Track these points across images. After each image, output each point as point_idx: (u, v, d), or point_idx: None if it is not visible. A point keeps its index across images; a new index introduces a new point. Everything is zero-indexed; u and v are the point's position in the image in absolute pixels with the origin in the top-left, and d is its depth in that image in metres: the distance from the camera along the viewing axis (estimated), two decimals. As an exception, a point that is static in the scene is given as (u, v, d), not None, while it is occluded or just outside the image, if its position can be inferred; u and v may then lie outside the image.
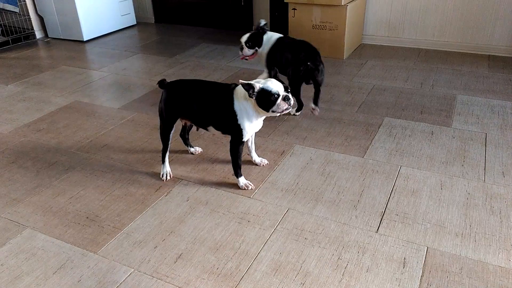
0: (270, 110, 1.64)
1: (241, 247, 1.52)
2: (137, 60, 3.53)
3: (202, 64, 3.38)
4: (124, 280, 1.39)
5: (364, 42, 3.80)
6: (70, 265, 1.45)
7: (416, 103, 2.59)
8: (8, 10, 3.90)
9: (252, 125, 1.73)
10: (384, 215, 1.66)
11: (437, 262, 1.43)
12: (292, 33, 3.51)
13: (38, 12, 4.17)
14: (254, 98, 1.63)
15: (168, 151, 1.92)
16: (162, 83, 1.84)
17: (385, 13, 3.64)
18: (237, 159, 1.79)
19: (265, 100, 1.62)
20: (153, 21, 4.73)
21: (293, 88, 2.32)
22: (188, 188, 1.86)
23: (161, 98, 1.85)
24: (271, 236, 1.56)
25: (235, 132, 1.73)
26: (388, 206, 1.71)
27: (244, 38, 2.54)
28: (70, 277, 1.40)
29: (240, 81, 1.62)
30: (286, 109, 1.64)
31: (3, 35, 4.06)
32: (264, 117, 1.76)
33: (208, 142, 2.22)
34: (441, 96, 2.68)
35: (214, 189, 1.85)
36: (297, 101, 2.45)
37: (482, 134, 2.21)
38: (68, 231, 1.61)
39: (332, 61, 3.36)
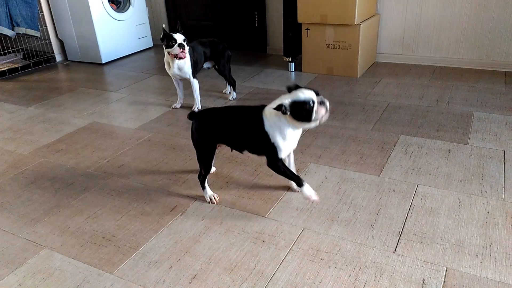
0: (312, 120, 1.58)
1: (256, 268, 1.50)
2: (154, 82, 3.60)
3: (217, 85, 3.43)
4: (139, 301, 1.39)
5: (378, 60, 3.81)
6: (86, 285, 1.46)
7: (432, 120, 2.57)
8: (30, 35, 4.04)
9: (287, 142, 1.69)
10: (402, 235, 1.63)
11: (457, 283, 1.39)
12: (306, 53, 3.54)
13: (59, 36, 4.32)
14: (288, 113, 1.58)
15: (207, 176, 1.89)
16: (192, 115, 1.83)
17: (398, 31, 3.66)
18: (287, 174, 1.72)
19: (301, 111, 1.56)
20: (169, 43, 4.83)
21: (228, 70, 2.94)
22: (203, 207, 1.86)
23: (193, 128, 1.83)
24: (287, 257, 1.55)
25: (270, 152, 1.70)
26: (405, 225, 1.68)
27: (182, 37, 2.65)
28: (86, 298, 1.41)
29: (269, 106, 1.61)
30: (326, 112, 1.57)
31: (25, 59, 4.20)
32: (300, 132, 1.72)
33: (223, 161, 2.23)
34: (458, 113, 2.65)
35: (229, 208, 1.85)
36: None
37: (501, 152, 2.17)
38: (84, 251, 1.63)
39: (346, 79, 3.37)
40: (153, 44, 4.73)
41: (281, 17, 3.85)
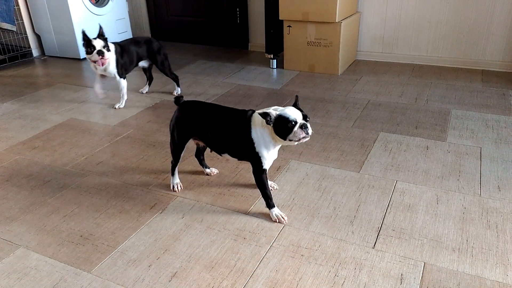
0: (287, 138, 1.58)
1: (236, 265, 1.50)
2: (134, 77, 3.54)
3: (199, 81, 3.40)
4: (117, 300, 1.37)
5: (359, 58, 3.84)
6: (63, 284, 1.43)
7: (411, 118, 2.61)
8: (5, 29, 3.93)
9: (270, 153, 1.68)
10: (381, 231, 1.65)
11: (434, 277, 1.42)
12: (288, 50, 3.55)
13: (36, 30, 4.21)
14: (271, 125, 1.59)
15: (177, 165, 1.92)
16: (178, 100, 1.83)
17: (379, 30, 3.69)
18: (265, 189, 1.72)
19: (282, 127, 1.57)
20: (149, 38, 4.77)
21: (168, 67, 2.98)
22: (183, 205, 1.85)
23: (173, 116, 1.83)
24: (267, 253, 1.55)
25: (255, 161, 1.69)
26: (384, 221, 1.70)
27: (101, 43, 2.65)
28: (63, 297, 1.38)
29: (257, 111, 1.60)
30: (304, 137, 1.57)
31: (0, 54, 4.08)
32: (279, 146, 1.71)
33: (205, 159, 2.21)
34: (436, 110, 2.70)
35: (209, 205, 1.84)
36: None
37: (477, 148, 2.22)
38: (61, 250, 1.59)
39: (327, 77, 3.39)
40: (134, 40, 4.66)
41: (263, 14, 3.84)
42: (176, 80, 3.12)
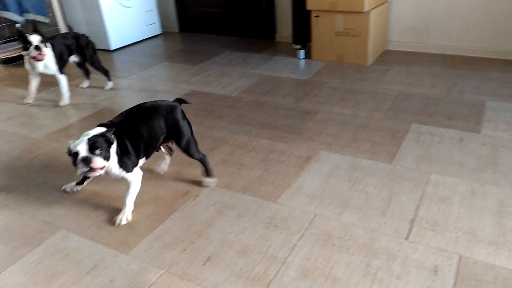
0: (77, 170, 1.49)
1: (268, 252, 1.52)
2: (163, 69, 3.60)
3: (226, 72, 3.43)
4: (154, 282, 1.41)
5: (389, 48, 3.78)
6: (102, 265, 1.49)
7: (444, 109, 2.56)
8: (39, 21, 4.04)
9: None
10: (414, 222, 1.64)
11: (470, 270, 1.40)
12: (316, 40, 3.52)
13: (67, 22, 4.31)
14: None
15: None
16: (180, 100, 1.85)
17: (409, 19, 3.62)
18: None
19: (72, 158, 1.50)
20: (177, 30, 4.82)
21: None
22: (215, 192, 1.88)
23: (181, 111, 1.84)
24: (299, 242, 1.56)
25: None
26: (417, 213, 1.69)
27: (38, 38, 2.60)
28: (103, 277, 1.44)
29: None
30: (88, 171, 1.48)
31: (35, 45, 4.21)
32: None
33: (233, 147, 2.24)
34: (470, 102, 2.63)
35: (240, 194, 1.86)
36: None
37: (513, 141, 2.16)
38: (100, 232, 1.65)
39: (356, 67, 3.36)
40: (162, 31, 4.72)
41: (290, 4, 3.82)
42: (107, 74, 3.15)
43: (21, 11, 3.93)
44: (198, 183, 1.94)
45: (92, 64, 3.05)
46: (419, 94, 2.80)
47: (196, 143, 1.85)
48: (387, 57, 3.58)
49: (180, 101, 1.84)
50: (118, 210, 1.77)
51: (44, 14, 4.04)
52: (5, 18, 3.88)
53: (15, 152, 2.32)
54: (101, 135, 1.51)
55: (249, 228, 1.64)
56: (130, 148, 1.65)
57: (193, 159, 1.88)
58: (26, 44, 2.58)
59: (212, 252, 1.53)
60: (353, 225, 1.63)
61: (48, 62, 2.74)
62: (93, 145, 1.48)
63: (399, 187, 1.85)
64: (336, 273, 1.41)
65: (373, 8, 3.27)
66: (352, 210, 1.72)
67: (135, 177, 1.71)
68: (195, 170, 2.05)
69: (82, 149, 1.47)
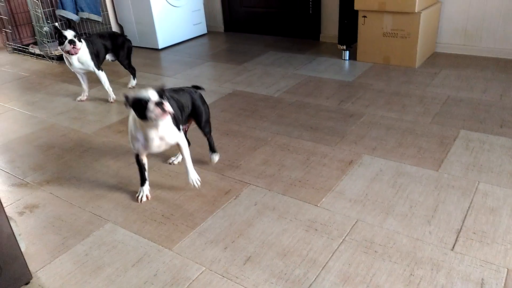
0: (147, 116, 1.57)
1: (308, 255, 1.52)
2: (208, 68, 3.66)
3: (269, 72, 3.44)
4: (196, 278, 1.45)
5: (438, 51, 3.65)
6: (147, 259, 1.54)
7: (496, 115, 2.44)
8: (93, 20, 4.23)
9: (137, 142, 1.73)
10: (461, 233, 1.58)
11: (520, 286, 1.34)
12: (362, 41, 3.46)
13: (119, 21, 4.49)
14: (130, 107, 1.61)
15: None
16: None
17: (461, 21, 3.48)
18: (139, 170, 1.87)
19: (139, 107, 1.58)
20: (222, 30, 4.89)
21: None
22: (256, 193, 1.90)
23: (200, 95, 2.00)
24: (340, 247, 1.55)
25: None
26: (464, 223, 1.63)
27: (72, 33, 2.72)
28: (147, 271, 1.49)
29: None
30: (161, 114, 1.57)
31: (88, 43, 4.41)
32: (155, 132, 1.69)
33: (275, 148, 2.25)
34: (525, 109, 2.50)
35: (281, 195, 1.87)
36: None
37: None
38: (145, 227, 1.71)
39: (403, 69, 3.27)
40: (207, 31, 4.80)
41: (337, 4, 3.77)
42: (133, 73, 3.27)
43: (77, 9, 4.13)
44: (240, 183, 1.97)
45: (122, 63, 3.17)
46: (469, 99, 2.68)
47: (210, 124, 2.09)
48: (436, 59, 3.46)
49: (196, 87, 2.05)
50: (162, 206, 1.83)
51: (97, 13, 4.22)
52: (61, 16, 4.09)
53: (67, 146, 2.44)
54: (160, 89, 1.63)
55: (290, 230, 1.65)
56: (178, 113, 1.82)
57: (205, 138, 2.11)
58: (62, 38, 2.72)
59: (253, 252, 1.55)
60: (396, 232, 1.60)
61: (84, 58, 2.86)
62: (160, 93, 1.60)
63: (446, 195, 1.79)
64: (378, 281, 1.39)
65: (424, 9, 3.17)
66: (395, 217, 1.68)
67: (184, 140, 1.85)
68: (237, 170, 2.08)
69: (153, 95, 1.57)
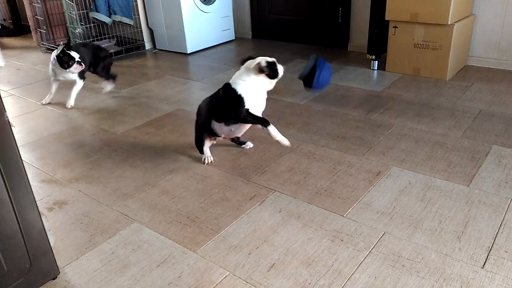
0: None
1: (334, 266, 1.50)
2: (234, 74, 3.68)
3: (296, 79, 3.42)
4: (220, 282, 1.45)
5: (470, 64, 3.57)
6: (171, 260, 1.55)
7: (531, 132, 2.37)
8: (124, 23, 4.33)
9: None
10: (491, 251, 1.53)
11: (556, 310, 1.28)
12: (392, 52, 3.42)
13: (149, 25, 4.58)
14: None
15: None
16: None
17: (495, 34, 3.40)
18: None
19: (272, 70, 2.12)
20: (250, 36, 4.92)
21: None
22: (281, 200, 1.89)
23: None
24: (366, 259, 1.52)
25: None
26: (496, 241, 1.57)
27: (76, 54, 2.89)
28: (172, 272, 1.50)
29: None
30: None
31: (118, 45, 4.51)
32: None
33: (300, 156, 2.24)
34: (562, 126, 2.41)
35: (306, 203, 1.85)
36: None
37: None
38: (171, 228, 1.73)
39: (434, 81, 3.21)
40: (235, 37, 4.84)
41: (366, 13, 3.75)
42: (108, 79, 3.28)
43: (110, 12, 4.24)
44: (265, 189, 1.96)
45: (98, 74, 3.22)
46: (502, 114, 2.61)
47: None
48: (468, 72, 3.39)
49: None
50: (187, 208, 1.84)
51: (130, 16, 4.32)
52: (95, 18, 4.20)
53: (96, 145, 2.49)
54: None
55: (315, 239, 1.63)
56: None
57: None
58: (72, 61, 2.86)
59: (277, 259, 1.54)
60: (425, 247, 1.56)
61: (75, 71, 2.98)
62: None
63: (477, 211, 1.74)
64: (404, 296, 1.36)
65: (457, 21, 3.11)
66: (424, 232, 1.64)
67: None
68: (262, 175, 2.07)
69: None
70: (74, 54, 2.87)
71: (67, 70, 2.88)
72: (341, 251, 1.57)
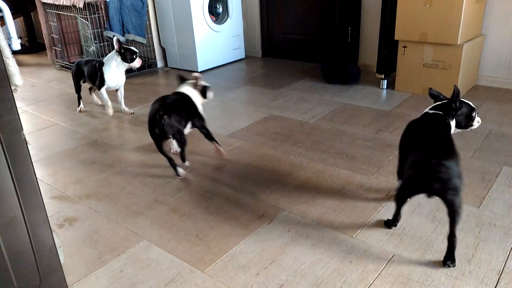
0: None
1: (343, 287, 1.49)
2: (244, 92, 3.73)
3: (305, 98, 3.46)
4: (227, 302, 1.44)
5: (479, 84, 3.57)
6: (180, 279, 1.56)
7: (542, 153, 2.35)
8: (138, 42, 4.42)
9: None
10: (502, 274, 1.51)
11: None
12: (401, 71, 3.44)
13: (161, 44, 4.66)
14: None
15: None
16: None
17: (504, 54, 3.40)
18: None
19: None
20: (260, 55, 4.98)
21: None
22: (290, 219, 1.89)
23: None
24: (375, 281, 1.51)
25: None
26: (507, 264, 1.55)
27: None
28: (180, 291, 1.50)
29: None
30: None
31: (131, 63, 4.59)
32: None
33: (310, 175, 2.24)
34: None
35: (315, 223, 1.85)
36: None
37: None
38: (179, 246, 1.73)
39: (443, 101, 3.20)
40: (245, 55, 4.91)
41: (375, 33, 3.79)
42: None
43: (123, 31, 4.33)
44: (273, 208, 1.97)
45: (93, 85, 3.32)
46: (514, 135, 2.60)
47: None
48: (478, 92, 3.39)
49: None
50: (195, 227, 1.85)
51: (143, 35, 4.41)
52: (109, 37, 4.30)
53: (108, 162, 2.53)
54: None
55: (323, 260, 1.62)
56: None
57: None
58: (135, 55, 3.14)
59: (285, 280, 1.53)
60: (434, 269, 1.54)
61: (121, 75, 3.21)
62: None
63: (487, 234, 1.72)
64: (414, 320, 1.34)
65: (466, 41, 3.13)
66: (434, 254, 1.62)
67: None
68: (271, 194, 2.08)
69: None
70: (134, 48, 3.11)
71: (130, 64, 3.12)
72: (350, 272, 1.56)
